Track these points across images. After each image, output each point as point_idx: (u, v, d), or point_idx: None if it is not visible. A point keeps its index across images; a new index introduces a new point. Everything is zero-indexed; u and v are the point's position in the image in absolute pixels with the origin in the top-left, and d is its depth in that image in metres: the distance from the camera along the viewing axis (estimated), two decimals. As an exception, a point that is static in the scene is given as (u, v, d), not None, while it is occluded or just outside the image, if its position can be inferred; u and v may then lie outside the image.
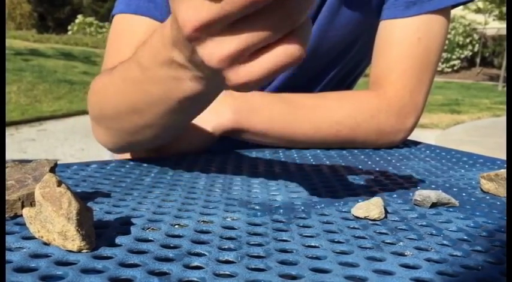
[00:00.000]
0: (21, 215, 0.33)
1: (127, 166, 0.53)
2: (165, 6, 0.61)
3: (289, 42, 0.26)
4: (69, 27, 17.72)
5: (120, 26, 0.64)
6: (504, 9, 12.43)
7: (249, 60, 0.26)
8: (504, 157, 0.66)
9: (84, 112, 5.65)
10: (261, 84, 0.27)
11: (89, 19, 17.89)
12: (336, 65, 0.76)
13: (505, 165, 0.59)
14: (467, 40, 14.26)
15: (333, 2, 0.66)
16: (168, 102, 0.39)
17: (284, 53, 0.26)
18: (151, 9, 0.61)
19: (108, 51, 0.64)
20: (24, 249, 0.28)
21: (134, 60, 0.40)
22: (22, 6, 18.55)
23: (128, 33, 0.62)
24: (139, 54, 0.39)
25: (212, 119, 0.57)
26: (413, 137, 0.74)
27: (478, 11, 13.19)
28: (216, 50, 0.26)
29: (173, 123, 0.46)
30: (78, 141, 4.21)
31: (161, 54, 0.35)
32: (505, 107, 7.84)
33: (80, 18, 17.72)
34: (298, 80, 0.75)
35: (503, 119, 6.61)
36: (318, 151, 0.66)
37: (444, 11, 0.66)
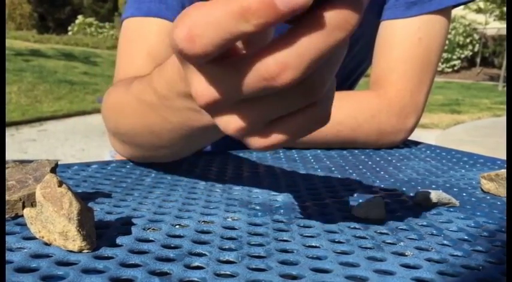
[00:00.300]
0: (22, 216, 0.33)
1: (127, 166, 0.53)
2: (176, 6, 0.61)
3: (311, 111, 0.24)
4: (70, 28, 17.73)
5: (130, 30, 0.62)
6: (505, 9, 12.42)
7: (267, 127, 0.24)
8: (504, 157, 0.66)
9: (85, 112, 5.66)
10: (282, 147, 0.25)
11: (89, 19, 17.89)
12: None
13: (505, 165, 0.59)
14: (468, 40, 14.26)
15: None
16: (187, 129, 0.37)
17: (306, 121, 0.24)
18: (163, 10, 0.60)
19: (120, 57, 0.63)
20: (25, 250, 0.28)
21: (150, 85, 0.37)
22: (22, 7, 18.56)
23: (140, 36, 0.61)
24: (155, 79, 0.36)
25: None
26: (413, 137, 0.74)
27: (479, 11, 13.18)
28: (232, 121, 0.24)
29: (192, 146, 0.45)
30: (78, 142, 4.21)
31: (178, 86, 0.32)
32: (505, 107, 7.83)
33: (80, 18, 17.73)
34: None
35: (504, 119, 6.60)
36: (319, 151, 0.66)
37: (445, 11, 0.66)
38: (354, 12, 0.19)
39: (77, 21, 17.63)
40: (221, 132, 0.41)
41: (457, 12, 13.74)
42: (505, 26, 13.64)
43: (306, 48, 0.19)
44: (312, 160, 0.60)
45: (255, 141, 0.25)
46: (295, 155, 0.63)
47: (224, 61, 0.22)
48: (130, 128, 0.46)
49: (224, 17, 0.19)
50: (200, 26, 0.19)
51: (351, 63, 0.78)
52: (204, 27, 0.19)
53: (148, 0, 0.61)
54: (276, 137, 0.25)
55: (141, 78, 0.42)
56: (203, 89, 0.23)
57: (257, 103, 0.23)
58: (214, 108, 0.24)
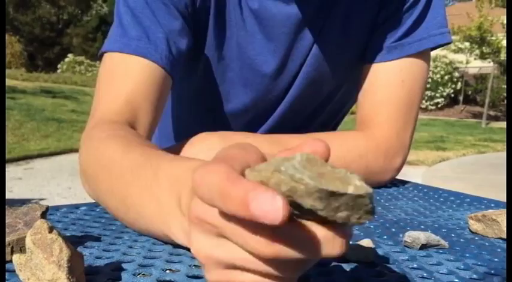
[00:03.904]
0: (11, 261, 0.32)
1: (117, 208, 0.53)
2: (165, 50, 0.59)
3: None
4: (59, 66, 17.84)
5: (115, 65, 0.60)
6: (484, 49, 12.83)
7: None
8: (490, 195, 0.67)
9: (72, 150, 5.62)
10: None
11: (80, 58, 18.04)
12: (325, 106, 0.78)
13: (492, 205, 0.60)
14: (448, 78, 14.61)
15: (318, 50, 0.68)
16: (159, 236, 0.38)
17: None
18: (152, 51, 0.58)
19: (100, 94, 0.60)
20: (13, 298, 0.28)
21: (154, 165, 0.38)
22: (13, 46, 18.69)
23: (125, 76, 0.58)
24: (164, 165, 0.37)
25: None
26: (400, 174, 0.74)
27: (458, 51, 13.60)
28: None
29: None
30: (65, 180, 4.16)
31: (183, 189, 0.32)
32: (489, 144, 7.97)
33: (70, 57, 17.87)
34: (288, 120, 0.76)
35: (488, 156, 6.70)
36: (308, 191, 0.66)
37: (424, 53, 0.69)
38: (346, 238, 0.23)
39: (66, 60, 17.75)
40: None
41: (438, 52, 14.17)
42: (485, 65, 14.07)
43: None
44: (302, 200, 0.60)
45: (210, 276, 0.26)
46: (285, 196, 0.63)
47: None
48: (109, 186, 0.45)
49: (214, 186, 0.22)
50: (204, 179, 0.22)
51: (336, 105, 0.80)
52: (204, 182, 0.23)
53: (137, 38, 0.59)
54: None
55: (142, 148, 0.43)
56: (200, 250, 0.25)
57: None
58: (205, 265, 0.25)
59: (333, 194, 0.21)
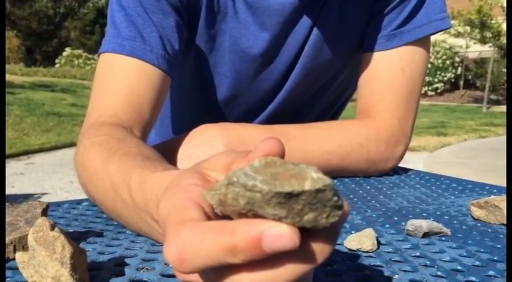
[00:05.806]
0: (14, 259, 0.32)
1: (119, 203, 0.53)
2: (160, 50, 0.59)
3: None
4: (57, 60, 17.77)
5: (110, 66, 0.59)
6: (486, 33, 12.75)
7: None
8: (492, 179, 0.67)
9: (72, 144, 5.62)
10: None
11: (78, 51, 17.95)
12: (322, 95, 0.78)
13: (494, 191, 0.60)
14: (449, 62, 14.52)
15: (315, 40, 0.68)
16: (151, 235, 0.38)
17: None
18: (147, 52, 0.58)
19: (95, 95, 0.59)
20: (17, 296, 0.28)
21: (128, 186, 0.37)
22: (11, 40, 18.61)
23: (120, 76, 0.58)
24: (134, 187, 0.36)
25: (204, 154, 0.58)
26: (402, 160, 0.74)
27: (458, 35, 13.51)
28: None
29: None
30: (66, 174, 4.17)
31: (153, 212, 0.33)
32: (490, 128, 7.96)
33: (68, 50, 17.79)
34: (286, 110, 0.76)
35: (489, 141, 6.70)
36: (309, 181, 0.66)
37: (424, 40, 0.68)
38: (330, 245, 0.21)
39: (64, 54, 17.68)
40: None
41: (437, 37, 14.07)
42: (485, 49, 14.00)
43: (281, 273, 0.20)
44: (303, 190, 0.60)
45: None
46: (286, 186, 0.63)
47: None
48: (99, 200, 0.45)
49: (214, 248, 0.19)
50: (190, 252, 0.20)
51: (335, 92, 0.79)
52: (194, 254, 0.20)
53: (132, 38, 0.58)
54: None
55: (119, 159, 0.41)
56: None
57: None
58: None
59: (290, 196, 0.19)
